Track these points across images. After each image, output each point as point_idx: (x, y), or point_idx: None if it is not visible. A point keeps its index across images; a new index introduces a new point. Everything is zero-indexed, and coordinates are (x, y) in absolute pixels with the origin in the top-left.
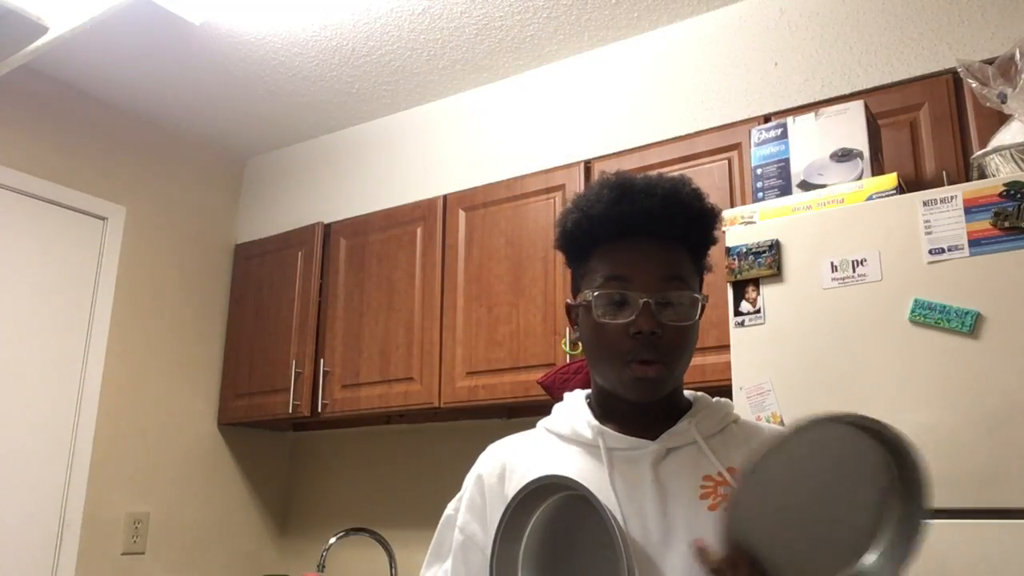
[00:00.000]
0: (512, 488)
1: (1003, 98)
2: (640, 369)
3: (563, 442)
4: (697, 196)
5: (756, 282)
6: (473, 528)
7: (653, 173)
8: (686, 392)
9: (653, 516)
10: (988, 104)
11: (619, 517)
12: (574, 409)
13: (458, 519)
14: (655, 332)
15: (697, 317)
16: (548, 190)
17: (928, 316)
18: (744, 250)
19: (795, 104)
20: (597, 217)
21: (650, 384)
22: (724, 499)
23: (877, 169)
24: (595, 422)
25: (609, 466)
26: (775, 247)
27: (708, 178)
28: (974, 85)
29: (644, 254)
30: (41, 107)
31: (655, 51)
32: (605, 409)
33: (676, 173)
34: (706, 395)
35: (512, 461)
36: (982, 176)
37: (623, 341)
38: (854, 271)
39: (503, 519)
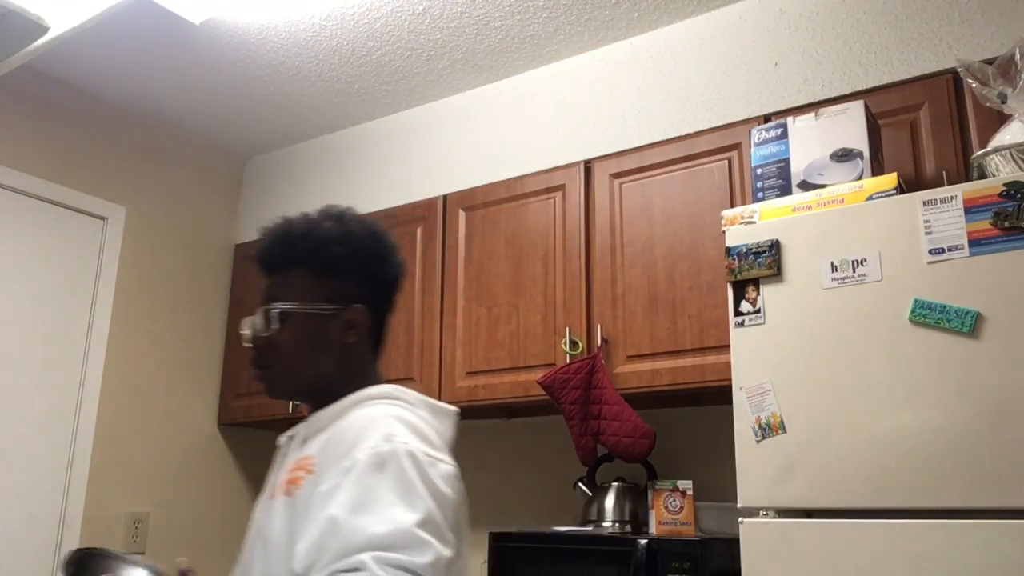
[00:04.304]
0: None
1: (1003, 98)
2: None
3: None
4: (286, 226)
5: (756, 282)
6: None
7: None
8: (367, 391)
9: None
10: (988, 104)
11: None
12: None
13: None
14: (249, 347)
15: (275, 326)
16: (548, 190)
17: (928, 316)
18: (744, 250)
19: (795, 104)
20: None
21: (263, 387)
22: (291, 484)
23: (877, 169)
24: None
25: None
26: (775, 247)
27: (708, 178)
28: (974, 85)
29: None
30: (41, 107)
31: (655, 51)
32: None
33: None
34: (361, 395)
35: None
36: (982, 176)
37: None
38: (854, 271)
39: None
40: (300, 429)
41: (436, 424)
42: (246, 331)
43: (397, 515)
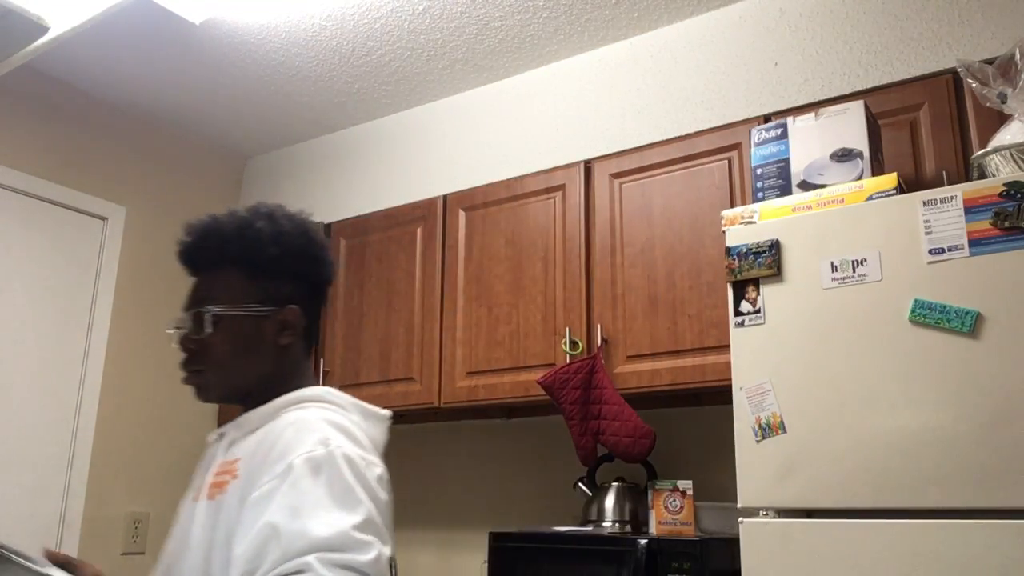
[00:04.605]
0: None
1: (1003, 98)
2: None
3: None
4: (215, 225)
5: (756, 282)
6: None
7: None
8: (298, 394)
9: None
10: (988, 104)
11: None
12: None
13: None
14: (180, 350)
15: (208, 328)
16: (548, 190)
17: (928, 316)
18: (744, 250)
19: (795, 104)
20: None
21: (193, 390)
22: (215, 487)
23: (877, 169)
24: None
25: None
26: (775, 247)
27: (708, 178)
28: (974, 85)
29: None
30: (41, 107)
31: (655, 51)
32: None
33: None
34: (293, 396)
35: None
36: (982, 176)
37: None
38: (854, 271)
39: None
40: (229, 429)
41: (368, 428)
42: (174, 333)
43: (337, 518)
